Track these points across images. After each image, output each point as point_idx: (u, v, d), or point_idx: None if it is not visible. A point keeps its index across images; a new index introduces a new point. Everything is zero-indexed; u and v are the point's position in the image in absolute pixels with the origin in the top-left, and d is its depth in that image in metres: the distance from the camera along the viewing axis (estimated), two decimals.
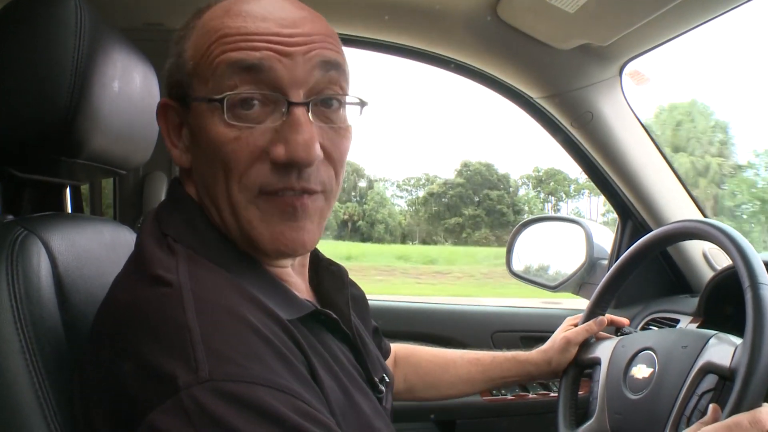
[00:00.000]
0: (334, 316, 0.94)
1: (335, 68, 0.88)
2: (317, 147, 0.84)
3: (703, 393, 1.16)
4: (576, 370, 1.52)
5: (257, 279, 0.87)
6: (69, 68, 0.96)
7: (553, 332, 2.22)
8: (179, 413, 0.65)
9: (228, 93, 0.82)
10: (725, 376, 1.13)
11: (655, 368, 1.28)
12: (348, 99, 0.92)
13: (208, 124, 0.84)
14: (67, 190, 1.34)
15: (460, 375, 1.54)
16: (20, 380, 0.82)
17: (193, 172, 0.91)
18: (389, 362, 1.45)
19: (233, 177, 0.84)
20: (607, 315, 1.54)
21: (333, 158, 0.89)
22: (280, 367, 0.73)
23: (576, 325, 1.56)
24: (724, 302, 1.64)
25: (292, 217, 0.86)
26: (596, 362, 1.46)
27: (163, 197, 1.86)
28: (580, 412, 1.50)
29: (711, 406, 1.09)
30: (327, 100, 0.88)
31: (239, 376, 0.68)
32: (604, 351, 1.45)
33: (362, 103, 0.93)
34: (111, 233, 1.19)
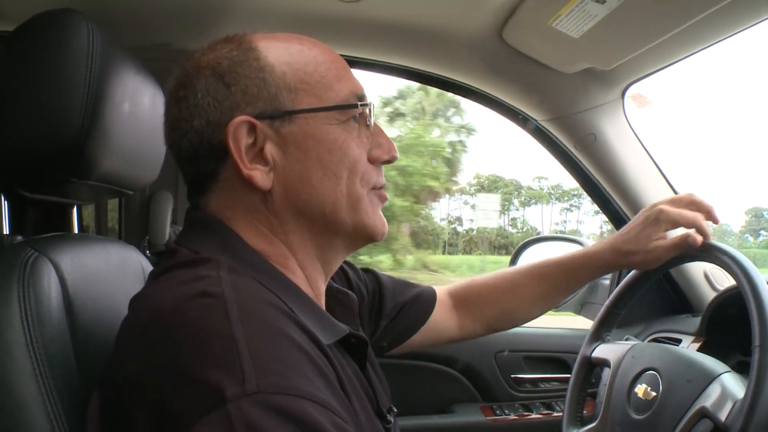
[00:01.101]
0: (365, 338, 0.98)
1: None
2: None
3: None
4: (586, 368, 1.55)
5: (296, 300, 0.87)
6: (81, 91, 0.97)
7: (555, 352, 2.25)
8: (226, 425, 0.63)
9: (363, 104, 0.97)
10: (720, 429, 1.13)
11: (657, 394, 1.28)
12: None
13: (328, 132, 0.93)
14: (74, 210, 1.34)
15: (531, 297, 1.51)
16: (32, 403, 0.82)
17: (277, 190, 0.92)
18: (445, 310, 1.49)
19: (357, 175, 0.95)
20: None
21: None
22: (320, 382, 0.72)
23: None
24: (725, 323, 1.64)
25: (380, 207, 1.01)
26: (605, 364, 1.48)
27: (169, 217, 1.86)
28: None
29: None
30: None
31: (286, 388, 0.67)
32: (614, 355, 1.46)
33: None
34: (118, 253, 1.19)
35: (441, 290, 1.52)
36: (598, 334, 1.56)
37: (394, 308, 1.37)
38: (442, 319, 1.47)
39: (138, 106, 1.15)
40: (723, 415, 1.13)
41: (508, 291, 1.51)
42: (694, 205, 1.35)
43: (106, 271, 1.09)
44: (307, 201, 0.92)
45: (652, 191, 2.01)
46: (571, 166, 2.08)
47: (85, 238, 1.15)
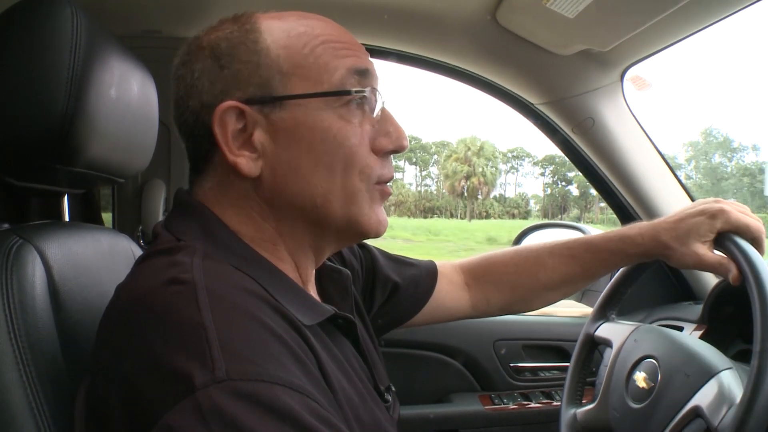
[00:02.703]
0: (353, 318, 0.96)
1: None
2: None
3: None
4: (588, 347, 1.54)
5: (277, 284, 0.86)
6: (65, 75, 0.95)
7: (555, 340, 2.23)
8: (196, 414, 0.62)
9: (359, 88, 0.90)
10: (711, 431, 1.12)
11: (655, 384, 1.27)
12: None
13: (324, 120, 0.88)
14: (65, 198, 1.32)
15: (554, 280, 1.39)
16: (13, 392, 0.81)
17: (266, 177, 0.89)
18: (455, 288, 1.43)
19: (355, 168, 0.90)
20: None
21: None
22: (295, 367, 0.71)
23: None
24: (727, 310, 1.63)
25: (382, 203, 0.96)
26: (608, 344, 1.47)
27: (162, 205, 1.85)
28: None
29: None
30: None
31: (257, 375, 0.66)
32: (617, 336, 1.45)
33: None
34: (109, 242, 1.18)
35: (450, 265, 1.46)
36: (603, 313, 1.55)
37: (387, 287, 1.33)
38: (450, 298, 1.41)
39: (126, 92, 1.13)
40: (716, 419, 1.11)
41: (531, 272, 1.40)
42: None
43: (95, 260, 1.08)
44: (296, 192, 0.89)
45: (653, 175, 2.00)
46: (569, 150, 2.07)
47: (74, 226, 1.13)
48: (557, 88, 1.91)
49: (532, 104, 2.01)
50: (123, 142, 1.15)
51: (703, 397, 1.16)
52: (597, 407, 1.43)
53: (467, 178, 79.29)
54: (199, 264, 0.78)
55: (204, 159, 0.92)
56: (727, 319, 1.62)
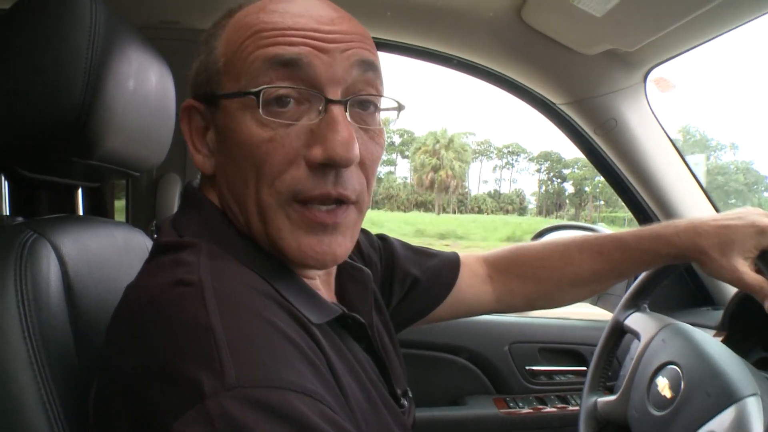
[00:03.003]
0: (362, 320, 0.91)
1: (372, 69, 0.85)
2: (356, 146, 0.79)
3: None
4: (617, 334, 1.52)
5: (284, 280, 0.83)
6: (83, 66, 0.93)
7: (571, 343, 2.21)
8: (205, 423, 0.59)
9: (264, 86, 0.78)
10: None
11: (676, 395, 1.23)
12: (384, 102, 0.89)
13: (240, 124, 0.80)
14: (79, 191, 1.30)
15: (582, 276, 1.32)
16: (27, 391, 0.79)
17: (218, 178, 0.87)
18: (478, 281, 1.37)
19: (265, 180, 0.80)
20: None
21: (365, 164, 0.85)
22: (306, 370, 0.68)
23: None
24: (748, 318, 1.59)
25: (321, 231, 0.82)
26: (636, 335, 1.44)
27: (177, 199, 1.83)
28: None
29: None
30: (364, 102, 0.85)
31: (268, 380, 0.63)
32: (646, 330, 1.42)
33: (399, 107, 0.91)
34: (124, 236, 1.16)
35: (474, 257, 1.39)
36: (634, 301, 1.51)
37: (407, 282, 1.27)
38: (472, 291, 1.35)
39: (144, 84, 1.11)
40: None
41: (557, 267, 1.33)
42: None
43: (109, 255, 1.06)
44: (231, 198, 0.86)
45: (674, 179, 1.97)
46: (589, 151, 2.04)
47: (89, 221, 1.11)
48: (580, 87, 1.88)
49: (555, 104, 1.98)
50: (140, 135, 1.13)
51: (720, 424, 1.11)
52: (618, 401, 1.41)
53: (435, 170, 78.63)
54: (205, 263, 0.76)
55: None
56: (748, 327, 1.59)
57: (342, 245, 0.84)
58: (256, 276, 0.79)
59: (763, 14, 1.45)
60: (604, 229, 2.24)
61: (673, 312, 2.00)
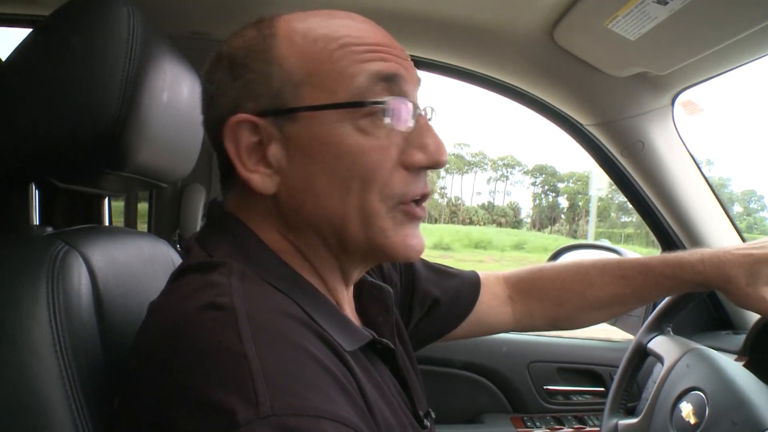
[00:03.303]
0: (392, 345, 0.91)
1: (420, 86, 0.90)
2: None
3: None
4: (639, 357, 1.50)
5: (316, 305, 0.82)
6: (119, 78, 0.92)
7: (589, 364, 2.19)
8: None
9: (388, 97, 0.81)
10: None
11: (701, 422, 1.22)
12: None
13: (340, 134, 0.81)
14: (106, 201, 1.31)
15: (602, 299, 1.30)
16: (57, 405, 0.78)
17: (283, 195, 0.84)
18: (498, 301, 1.36)
19: (373, 187, 0.82)
20: None
21: None
22: (340, 397, 0.68)
23: None
24: None
25: (415, 226, 0.87)
26: (659, 359, 1.43)
27: (201, 210, 1.83)
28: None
29: None
30: (426, 113, 0.90)
31: (302, 409, 0.62)
32: (669, 354, 1.40)
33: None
34: (149, 247, 1.16)
35: (494, 277, 1.38)
36: (658, 324, 1.49)
37: (426, 303, 1.26)
38: (492, 312, 1.34)
39: (177, 95, 1.11)
40: None
41: (578, 289, 1.32)
42: None
43: (137, 266, 1.06)
44: (312, 212, 0.84)
45: (699, 203, 1.95)
46: (615, 173, 2.03)
47: (116, 231, 1.11)
48: (609, 109, 1.87)
49: (582, 125, 1.97)
50: (170, 148, 1.13)
51: None
52: (639, 424, 1.39)
53: None
54: (238, 286, 0.74)
55: (229, 172, 0.87)
56: None
57: (422, 237, 0.90)
58: (289, 300, 0.78)
59: None
60: (625, 251, 2.23)
61: (692, 335, 1.99)
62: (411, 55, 0.93)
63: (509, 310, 1.36)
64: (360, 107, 0.80)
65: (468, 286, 1.32)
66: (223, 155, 0.85)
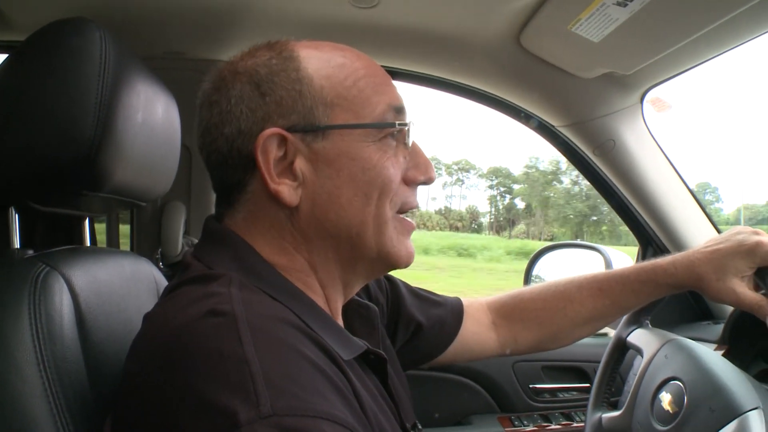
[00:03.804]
0: (384, 355, 0.94)
1: None
2: None
3: None
4: (619, 350, 1.52)
5: (312, 315, 0.85)
6: (93, 100, 0.94)
7: (574, 361, 2.21)
8: None
9: (408, 122, 0.94)
10: None
11: (680, 410, 1.24)
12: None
13: (361, 150, 0.89)
14: (86, 222, 1.32)
15: (582, 315, 1.35)
16: (44, 423, 0.79)
17: (305, 206, 0.89)
18: (482, 328, 1.40)
19: (387, 196, 0.91)
20: None
21: None
22: (336, 400, 0.70)
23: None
24: (748, 331, 1.61)
25: (409, 236, 0.97)
26: (639, 352, 1.45)
27: (181, 227, 1.84)
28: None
29: None
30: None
31: (302, 410, 0.64)
32: (648, 346, 1.43)
33: None
34: (131, 266, 1.17)
35: (478, 304, 1.43)
36: (637, 318, 1.52)
37: (411, 327, 1.30)
38: (476, 339, 1.38)
39: (151, 116, 1.13)
40: None
41: (560, 309, 1.37)
42: None
43: (118, 285, 1.07)
44: (335, 221, 0.89)
45: (672, 197, 1.99)
46: (589, 172, 2.06)
47: (97, 251, 1.13)
48: (579, 110, 1.90)
49: (554, 127, 2.00)
50: (147, 167, 1.14)
51: None
52: (622, 416, 1.41)
53: None
54: (237, 294, 0.77)
55: (237, 187, 0.90)
56: (748, 340, 1.60)
57: None
58: (287, 309, 0.81)
59: (759, 35, 1.47)
60: (604, 247, 2.26)
61: (674, 327, 2.01)
62: (383, 66, 0.97)
63: (493, 335, 1.40)
64: (388, 128, 0.92)
65: (452, 314, 1.36)
66: (230, 171, 0.90)
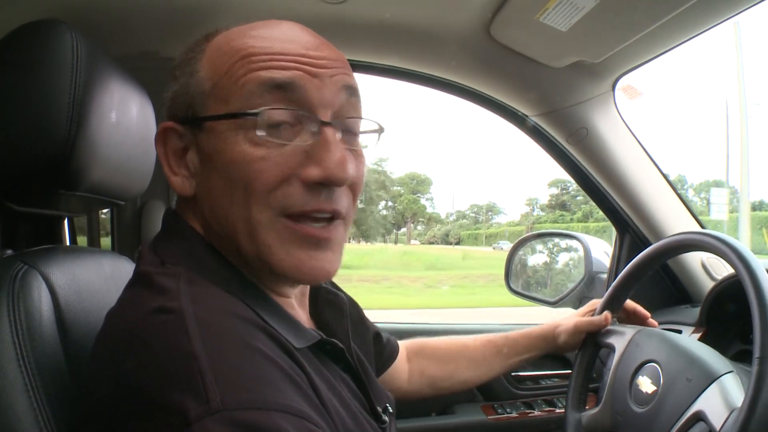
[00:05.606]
0: (341, 345, 0.94)
1: (355, 95, 0.90)
2: (350, 166, 0.84)
3: None
4: (592, 351, 1.58)
5: (264, 306, 0.84)
6: (66, 100, 0.96)
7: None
8: None
9: (264, 108, 0.81)
10: None
11: (658, 388, 1.28)
12: (367, 125, 0.93)
13: (231, 144, 0.82)
14: (65, 221, 1.33)
15: (476, 358, 1.57)
16: (24, 418, 0.81)
17: (199, 199, 0.89)
18: (401, 360, 1.46)
19: (255, 197, 0.82)
20: (631, 304, 1.62)
21: (353, 183, 0.89)
22: (290, 390, 0.70)
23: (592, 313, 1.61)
24: (725, 312, 1.64)
25: (314, 247, 0.85)
26: (611, 349, 1.50)
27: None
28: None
29: None
30: (350, 124, 0.89)
31: (252, 402, 0.64)
32: (619, 341, 1.48)
33: (380, 130, 0.95)
34: (111, 265, 1.18)
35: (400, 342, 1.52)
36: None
37: (369, 333, 1.31)
38: (396, 366, 1.45)
39: (126, 115, 1.14)
40: (718, 423, 1.12)
41: (458, 349, 1.58)
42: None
43: (98, 283, 1.08)
44: (217, 219, 0.87)
45: (645, 182, 2.01)
46: (563, 160, 2.08)
47: (77, 250, 1.14)
48: (551, 99, 1.92)
49: (527, 116, 2.01)
50: (123, 166, 1.16)
51: (705, 402, 1.18)
52: (601, 411, 1.44)
53: None
54: (186, 290, 0.77)
55: None
56: (725, 321, 1.64)
57: (333, 261, 0.88)
58: (238, 301, 0.81)
59: (726, 19, 1.49)
60: (583, 236, 2.29)
61: (652, 311, 2.04)
62: (352, 60, 0.95)
63: (406, 368, 1.50)
64: (243, 117, 0.82)
65: (392, 345, 1.44)
66: None
